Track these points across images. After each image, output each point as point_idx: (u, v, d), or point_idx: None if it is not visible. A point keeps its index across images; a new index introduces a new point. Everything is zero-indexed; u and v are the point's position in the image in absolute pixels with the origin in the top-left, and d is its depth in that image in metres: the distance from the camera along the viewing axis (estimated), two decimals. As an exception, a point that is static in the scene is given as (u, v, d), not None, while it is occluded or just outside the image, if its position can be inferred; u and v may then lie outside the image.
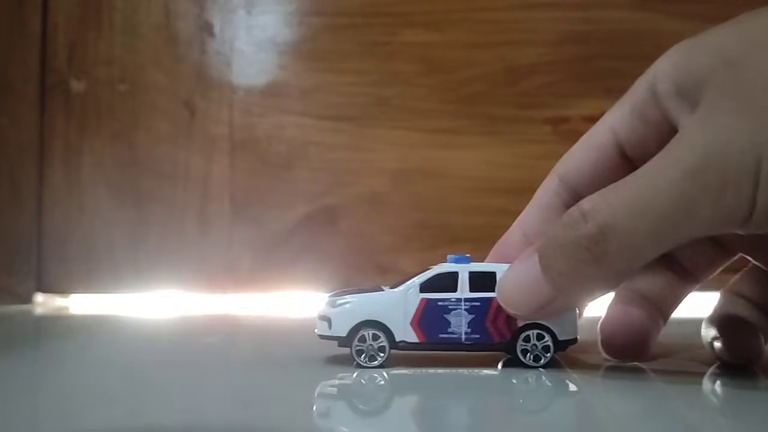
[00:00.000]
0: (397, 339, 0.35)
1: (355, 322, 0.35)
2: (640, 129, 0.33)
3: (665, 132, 0.31)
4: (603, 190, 0.30)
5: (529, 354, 0.35)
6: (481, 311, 0.35)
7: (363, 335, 0.35)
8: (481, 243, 0.65)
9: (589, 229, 0.29)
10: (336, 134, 0.66)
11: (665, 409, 0.29)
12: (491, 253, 0.39)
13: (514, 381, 0.33)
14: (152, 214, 0.65)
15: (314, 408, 0.29)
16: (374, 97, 0.66)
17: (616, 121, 0.34)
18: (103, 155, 0.66)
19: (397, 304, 0.35)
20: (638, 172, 0.29)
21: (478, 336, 0.35)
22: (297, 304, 0.65)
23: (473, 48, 0.66)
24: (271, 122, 0.66)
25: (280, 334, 0.52)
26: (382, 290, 0.36)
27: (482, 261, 0.37)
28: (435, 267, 0.36)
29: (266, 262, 0.65)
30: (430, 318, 0.35)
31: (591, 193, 0.32)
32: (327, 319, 0.35)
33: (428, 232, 0.65)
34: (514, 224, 0.38)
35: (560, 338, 0.35)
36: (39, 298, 0.65)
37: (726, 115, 0.27)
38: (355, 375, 0.34)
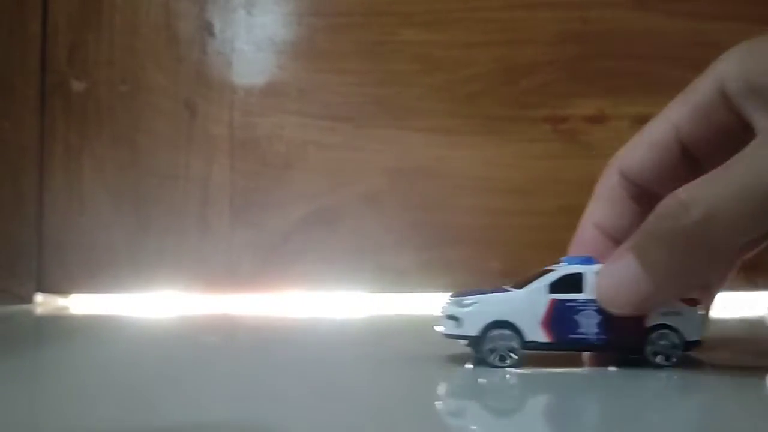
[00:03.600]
0: (527, 339, 0.35)
1: (487, 321, 0.35)
2: (704, 127, 0.34)
3: (734, 130, 0.32)
4: (699, 180, 0.30)
5: (657, 354, 0.35)
6: (609, 312, 0.35)
7: (495, 335, 0.35)
8: (479, 243, 0.66)
9: (692, 217, 0.29)
10: (335, 134, 0.66)
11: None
12: (570, 252, 0.39)
13: (644, 380, 0.33)
14: (152, 215, 0.65)
15: (441, 407, 0.29)
16: (373, 97, 0.66)
17: (678, 120, 0.35)
18: (103, 157, 0.66)
19: (526, 305, 0.35)
20: (734, 162, 0.30)
21: (606, 336, 0.35)
22: (308, 303, 0.65)
23: (472, 47, 0.66)
24: (271, 122, 0.66)
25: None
26: (507, 290, 0.36)
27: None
28: (558, 268, 0.36)
29: (266, 263, 0.65)
30: (560, 318, 0.35)
31: (656, 187, 0.34)
32: (456, 319, 0.35)
33: (427, 231, 0.65)
34: (584, 222, 0.39)
35: (687, 339, 0.35)
36: (39, 298, 0.65)
37: None
38: (480, 375, 0.34)
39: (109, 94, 0.66)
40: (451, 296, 0.37)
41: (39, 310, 0.63)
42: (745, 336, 0.51)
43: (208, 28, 0.66)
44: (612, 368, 0.35)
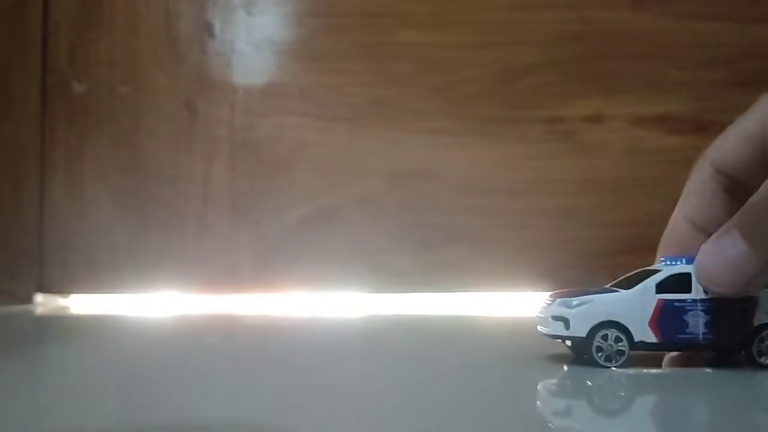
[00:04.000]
0: (636, 339, 0.35)
1: (596, 322, 0.35)
2: None
3: None
4: None
5: (762, 354, 0.35)
6: (716, 312, 0.35)
7: (604, 335, 0.35)
8: (476, 243, 0.66)
9: None
10: (334, 135, 0.66)
11: None
12: (661, 247, 0.39)
13: (753, 380, 0.33)
14: (153, 216, 0.66)
15: (541, 406, 0.29)
16: (372, 98, 0.66)
17: None
18: (104, 158, 0.66)
19: (634, 305, 0.35)
20: None
21: (713, 336, 0.35)
22: (307, 304, 0.65)
23: (469, 48, 0.66)
24: (271, 123, 0.66)
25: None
26: (612, 291, 0.36)
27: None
28: (663, 267, 0.36)
29: (266, 263, 0.65)
30: (668, 318, 0.35)
31: (749, 179, 0.35)
32: (564, 320, 0.35)
33: (424, 231, 0.66)
34: (676, 216, 0.39)
35: None
36: (39, 298, 0.65)
37: None
38: (577, 374, 0.34)
39: (110, 95, 0.66)
40: (551, 297, 0.37)
41: (39, 310, 0.63)
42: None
43: (208, 29, 0.67)
44: (707, 369, 0.35)
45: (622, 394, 0.32)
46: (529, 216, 0.65)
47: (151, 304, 0.65)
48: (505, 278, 0.65)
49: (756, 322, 0.35)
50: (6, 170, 0.64)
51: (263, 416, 0.26)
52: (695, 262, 0.34)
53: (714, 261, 0.33)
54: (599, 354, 0.35)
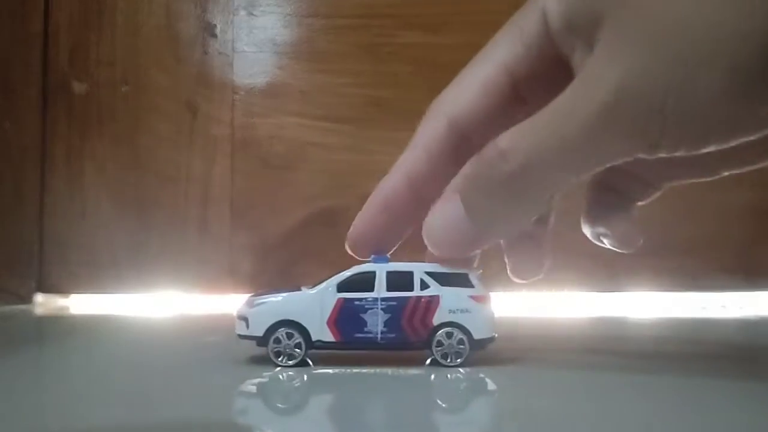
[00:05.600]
0: (314, 338, 0.35)
1: (272, 321, 0.35)
2: (535, 66, 0.31)
3: (556, 68, 0.30)
4: (518, 128, 0.29)
5: (445, 353, 0.35)
6: (397, 311, 0.34)
7: (279, 335, 0.35)
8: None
9: (511, 167, 0.29)
10: (333, 135, 0.66)
11: (580, 404, 0.29)
12: (370, 200, 0.36)
13: (433, 379, 0.33)
14: (153, 216, 0.66)
15: (233, 406, 0.29)
16: (371, 98, 0.66)
17: (510, 59, 0.31)
18: (104, 158, 0.66)
19: (313, 304, 0.35)
20: (551, 108, 0.28)
21: (393, 335, 0.34)
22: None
23: (468, 49, 0.66)
24: (271, 123, 0.67)
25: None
26: (299, 290, 0.36)
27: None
28: (355, 267, 0.36)
29: (265, 264, 0.66)
30: (346, 317, 0.35)
31: (484, 136, 0.31)
32: (245, 319, 0.35)
33: (422, 232, 0.66)
34: (397, 170, 0.35)
35: (476, 337, 0.35)
36: (39, 298, 0.65)
37: (632, 53, 0.26)
38: (276, 374, 0.34)
39: (111, 94, 0.66)
40: (248, 296, 0.37)
41: (39, 310, 0.63)
42: (540, 332, 0.52)
43: (209, 29, 0.67)
44: (424, 365, 0.35)
45: (300, 392, 0.32)
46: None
47: (151, 304, 0.65)
48: (501, 278, 0.65)
49: (436, 321, 0.35)
50: (7, 169, 0.65)
51: (263, 413, 0.27)
52: (423, 223, 0.33)
53: (438, 225, 0.32)
54: (275, 353, 0.35)
